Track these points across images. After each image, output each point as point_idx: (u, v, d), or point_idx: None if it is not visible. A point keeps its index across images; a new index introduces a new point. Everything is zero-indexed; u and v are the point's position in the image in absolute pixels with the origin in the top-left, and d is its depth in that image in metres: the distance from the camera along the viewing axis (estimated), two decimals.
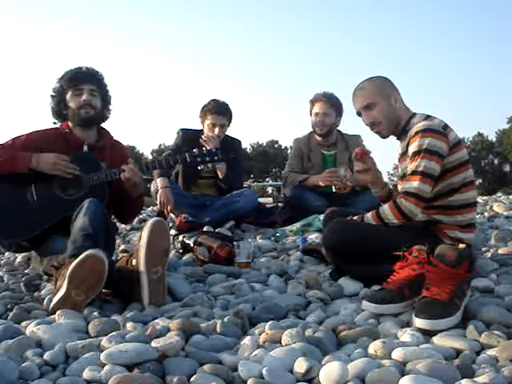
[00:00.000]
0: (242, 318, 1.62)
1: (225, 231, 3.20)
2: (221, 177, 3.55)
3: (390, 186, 2.36)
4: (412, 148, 2.03)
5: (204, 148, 2.60)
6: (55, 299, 1.80)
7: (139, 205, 2.69)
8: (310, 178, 3.64)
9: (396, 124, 2.18)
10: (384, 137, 2.22)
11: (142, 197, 2.63)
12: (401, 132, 2.18)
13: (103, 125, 2.68)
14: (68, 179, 2.38)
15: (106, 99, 2.60)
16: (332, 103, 3.70)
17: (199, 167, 3.55)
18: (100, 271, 1.78)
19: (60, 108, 2.57)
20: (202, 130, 3.68)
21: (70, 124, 2.55)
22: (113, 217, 2.69)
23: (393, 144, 2.27)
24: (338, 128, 3.87)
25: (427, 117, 2.13)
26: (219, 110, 3.58)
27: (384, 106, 2.15)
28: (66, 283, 1.77)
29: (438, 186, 2.07)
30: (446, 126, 2.08)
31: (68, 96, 2.52)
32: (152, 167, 2.54)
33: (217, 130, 3.55)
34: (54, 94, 2.58)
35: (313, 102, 3.76)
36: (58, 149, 2.45)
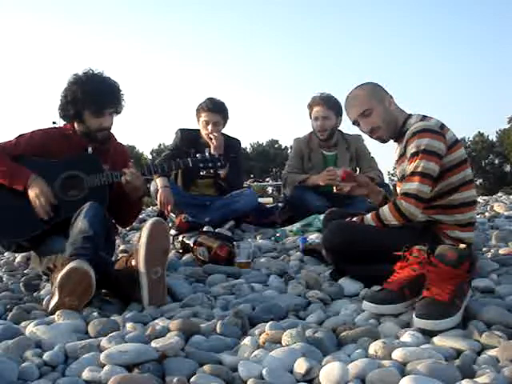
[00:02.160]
0: (241, 318, 1.61)
1: (225, 231, 3.20)
2: (222, 176, 3.55)
3: (384, 192, 2.38)
4: (410, 149, 2.03)
5: (207, 154, 2.60)
6: (51, 304, 1.80)
7: (138, 207, 2.68)
8: (309, 178, 3.63)
9: (394, 126, 2.17)
10: (384, 141, 2.22)
11: (142, 199, 2.63)
12: (398, 134, 2.18)
13: None
14: (69, 180, 2.37)
15: (119, 114, 2.57)
16: (330, 105, 3.66)
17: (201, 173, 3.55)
18: (86, 282, 1.77)
19: (71, 115, 2.49)
20: (200, 129, 3.68)
21: (75, 126, 2.52)
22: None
23: (393, 144, 2.27)
24: (339, 128, 3.86)
25: (423, 117, 2.13)
26: (213, 108, 3.58)
27: (380, 109, 2.15)
28: (57, 291, 1.78)
29: (438, 185, 2.07)
30: (442, 126, 2.08)
31: (86, 114, 2.45)
32: (154, 171, 2.53)
33: (209, 127, 3.55)
34: (69, 99, 2.45)
35: (311, 106, 3.73)
36: (60, 148, 2.45)
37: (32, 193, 2.27)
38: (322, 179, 3.50)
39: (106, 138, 2.53)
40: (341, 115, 3.73)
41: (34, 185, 2.29)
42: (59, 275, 1.78)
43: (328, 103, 3.67)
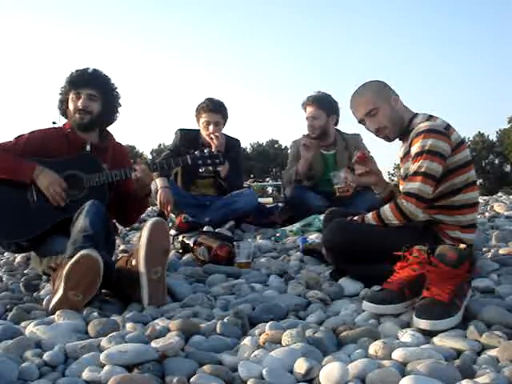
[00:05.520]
0: (241, 319, 1.61)
1: (225, 231, 3.19)
2: (222, 175, 3.56)
3: (392, 186, 2.36)
4: (414, 149, 2.03)
5: (206, 151, 2.60)
6: (53, 301, 1.80)
7: (145, 205, 2.69)
8: (297, 167, 3.67)
9: (400, 125, 2.16)
10: (390, 140, 2.20)
11: (148, 197, 2.63)
12: (403, 133, 2.17)
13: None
14: (69, 180, 2.37)
15: (108, 103, 2.57)
16: (320, 105, 3.67)
17: (200, 170, 3.55)
18: (95, 271, 1.77)
19: (63, 108, 2.59)
20: (199, 129, 3.68)
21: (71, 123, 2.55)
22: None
23: (393, 143, 2.27)
24: (337, 127, 3.86)
25: (429, 117, 2.12)
26: (213, 108, 3.58)
27: (386, 109, 2.13)
28: (62, 284, 1.77)
29: (441, 186, 2.06)
30: (448, 127, 2.08)
31: (69, 98, 2.53)
32: (153, 169, 2.54)
33: (211, 127, 3.55)
34: (60, 92, 2.59)
35: (304, 106, 3.76)
36: (59, 148, 2.46)
37: (44, 182, 2.29)
38: (303, 157, 3.59)
39: (87, 123, 2.50)
40: (334, 114, 3.74)
41: (42, 175, 2.30)
42: (68, 264, 1.77)
43: (318, 103, 3.68)
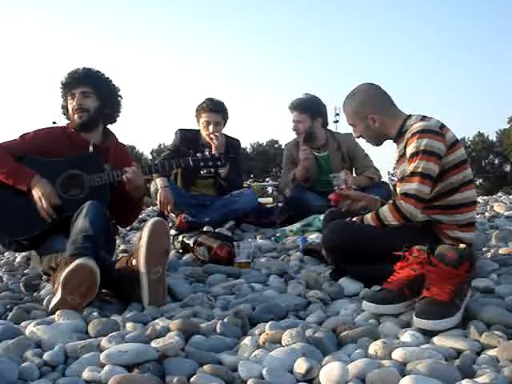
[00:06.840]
0: (241, 318, 1.61)
1: (225, 231, 3.20)
2: (222, 176, 3.56)
3: (380, 201, 2.38)
4: (410, 149, 2.03)
5: (207, 152, 2.60)
6: (53, 302, 1.81)
7: (139, 207, 2.68)
8: (295, 173, 3.69)
9: (380, 138, 2.26)
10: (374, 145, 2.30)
11: (142, 199, 2.63)
12: (397, 135, 2.18)
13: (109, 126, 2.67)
14: (70, 179, 2.38)
15: (105, 97, 2.55)
16: (303, 110, 3.68)
17: (202, 172, 3.55)
18: (91, 280, 1.78)
19: (66, 113, 2.59)
20: (199, 129, 3.68)
21: None
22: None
23: (392, 144, 2.28)
24: (330, 128, 3.88)
25: (423, 117, 2.13)
26: (213, 108, 3.58)
27: (362, 127, 2.23)
28: (60, 289, 1.78)
29: (438, 186, 2.07)
30: (442, 126, 2.08)
31: (68, 101, 2.55)
32: (154, 170, 2.53)
33: (211, 127, 3.55)
34: (62, 103, 2.60)
35: (290, 110, 3.77)
36: (63, 148, 2.46)
37: (36, 194, 2.28)
38: (301, 162, 3.61)
39: (86, 121, 2.49)
40: (319, 117, 3.73)
41: (37, 186, 2.29)
42: (64, 271, 1.78)
43: (301, 108, 3.69)
